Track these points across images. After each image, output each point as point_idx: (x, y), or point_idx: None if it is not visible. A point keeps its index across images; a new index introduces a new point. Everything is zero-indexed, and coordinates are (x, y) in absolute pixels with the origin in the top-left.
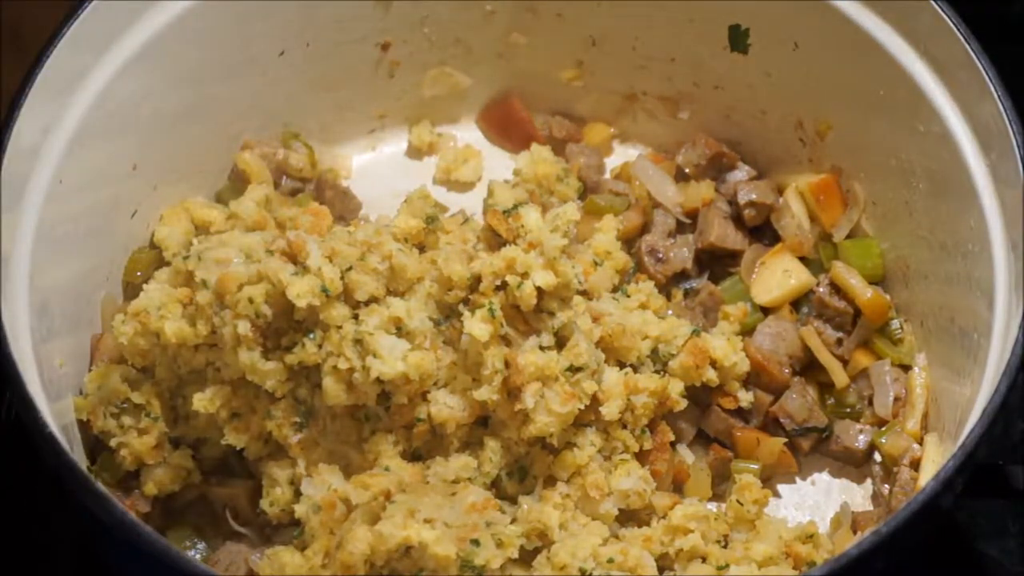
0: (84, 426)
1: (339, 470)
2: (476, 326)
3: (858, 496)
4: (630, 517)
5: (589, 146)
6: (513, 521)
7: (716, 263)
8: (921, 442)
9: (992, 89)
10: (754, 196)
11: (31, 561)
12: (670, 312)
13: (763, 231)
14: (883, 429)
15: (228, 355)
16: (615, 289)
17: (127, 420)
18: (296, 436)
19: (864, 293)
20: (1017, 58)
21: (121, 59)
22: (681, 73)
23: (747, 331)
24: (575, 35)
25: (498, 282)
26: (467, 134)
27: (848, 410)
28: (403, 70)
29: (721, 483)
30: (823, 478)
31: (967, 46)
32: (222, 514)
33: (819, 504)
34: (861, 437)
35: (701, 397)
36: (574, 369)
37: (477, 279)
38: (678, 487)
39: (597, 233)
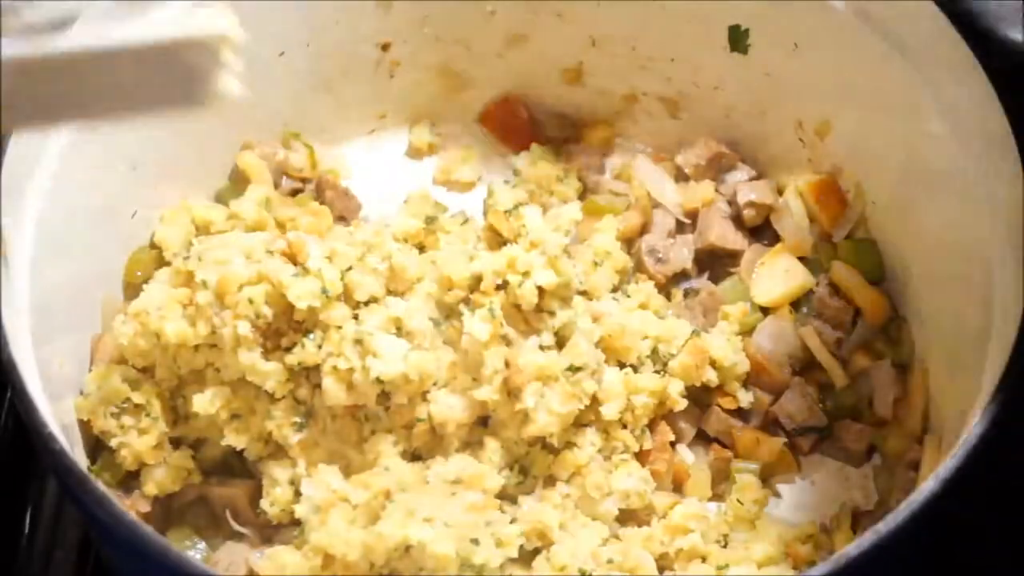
0: (84, 426)
1: (339, 470)
2: (476, 326)
3: (858, 496)
4: (630, 517)
5: (589, 146)
6: (513, 521)
7: (716, 263)
8: (921, 442)
9: (992, 89)
10: (754, 196)
11: (33, 563)
12: (670, 312)
13: (763, 231)
14: (883, 429)
15: (228, 356)
16: (615, 289)
17: (127, 420)
18: (296, 436)
19: (864, 293)
20: (1017, 59)
21: None
22: (681, 73)
23: (747, 331)
24: (575, 35)
25: (499, 281)
26: (467, 134)
27: (848, 410)
28: (403, 70)
29: (721, 483)
30: (823, 478)
31: (967, 46)
32: (222, 514)
33: (819, 504)
34: (861, 437)
35: (701, 397)
36: (574, 369)
37: (477, 279)
38: (678, 487)
39: (597, 233)
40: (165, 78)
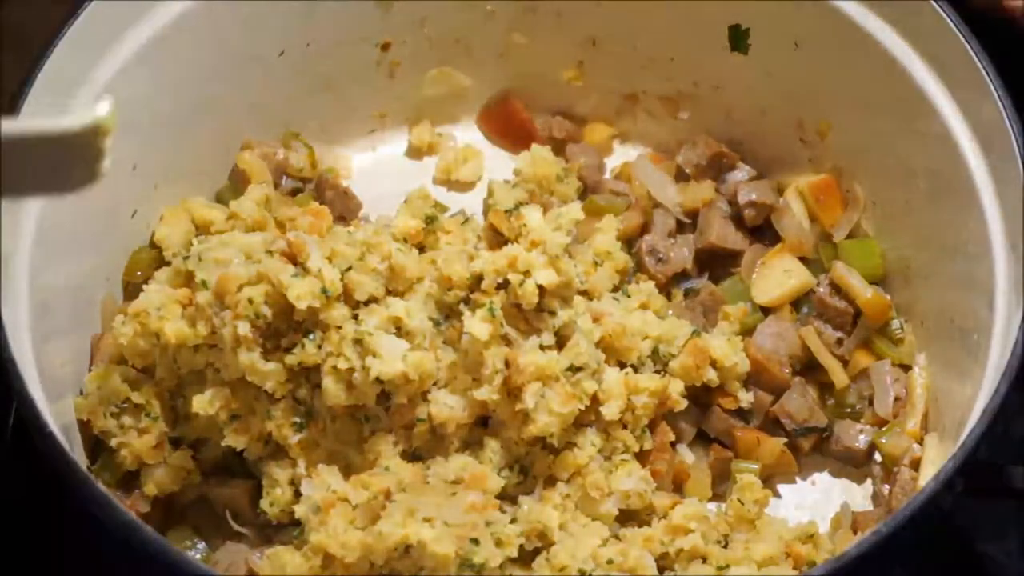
0: (84, 426)
1: (339, 470)
2: (476, 325)
3: (858, 496)
4: (630, 517)
5: (589, 146)
6: (513, 521)
7: (716, 263)
8: (921, 442)
9: (992, 89)
10: (754, 196)
11: (35, 566)
12: (670, 312)
13: (763, 231)
14: (883, 429)
15: (228, 356)
16: (615, 289)
17: (127, 420)
18: (296, 437)
19: (864, 293)
20: (1017, 58)
21: (121, 59)
22: (681, 73)
23: (747, 331)
24: (575, 35)
25: (499, 280)
26: (467, 134)
27: (848, 410)
28: (403, 70)
29: (721, 483)
30: (823, 478)
31: (967, 46)
32: (222, 514)
33: (819, 504)
34: (861, 437)
35: (701, 397)
36: (574, 369)
37: (478, 278)
38: (678, 487)
39: (597, 233)
40: (45, 166)
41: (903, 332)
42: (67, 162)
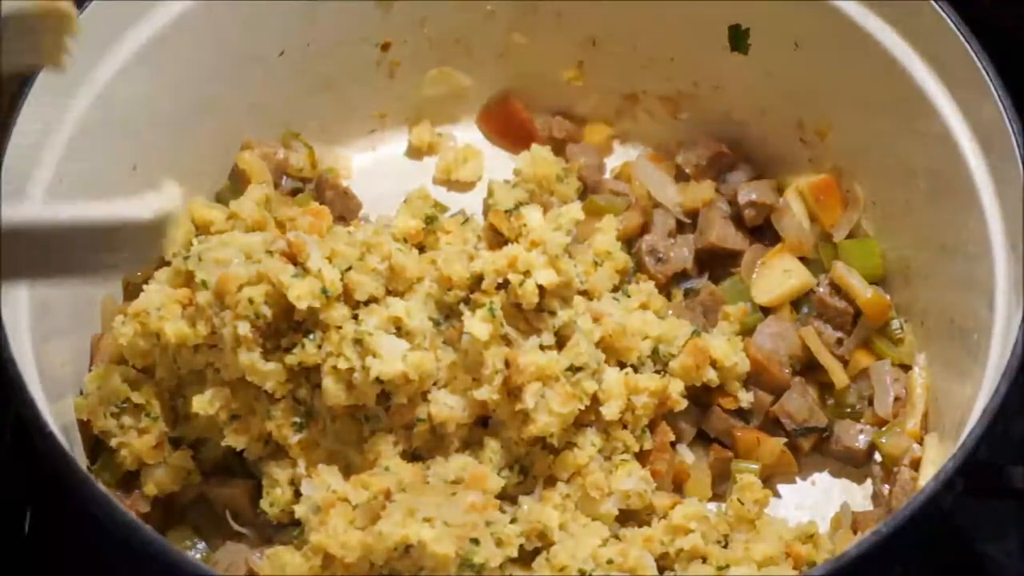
0: (84, 426)
1: (339, 470)
2: (476, 325)
3: (858, 496)
4: (630, 517)
5: (589, 146)
6: (513, 521)
7: (716, 263)
8: (921, 442)
9: (992, 89)
10: (754, 196)
11: (35, 566)
12: (670, 312)
13: (763, 231)
14: (883, 429)
15: (228, 356)
16: (615, 289)
17: (127, 420)
18: (296, 437)
19: (864, 293)
20: (1017, 58)
21: (121, 59)
22: (681, 73)
23: (747, 331)
24: (575, 35)
25: (500, 280)
26: (467, 134)
27: (848, 410)
28: (403, 70)
29: (721, 483)
30: (823, 478)
31: (967, 46)
32: (222, 514)
33: (819, 504)
34: (861, 437)
35: (701, 397)
36: (574, 369)
37: (478, 278)
38: (678, 487)
39: (597, 233)
40: (115, 251)
41: (903, 332)
42: (135, 246)
